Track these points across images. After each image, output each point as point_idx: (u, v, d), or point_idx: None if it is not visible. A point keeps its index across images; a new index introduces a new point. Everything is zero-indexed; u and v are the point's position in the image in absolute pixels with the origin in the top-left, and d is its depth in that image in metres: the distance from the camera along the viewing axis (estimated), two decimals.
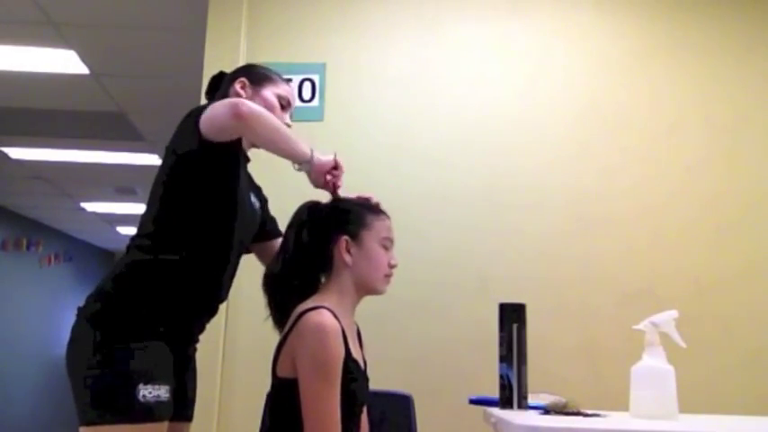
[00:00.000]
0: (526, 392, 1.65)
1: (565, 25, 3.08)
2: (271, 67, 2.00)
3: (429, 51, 3.06)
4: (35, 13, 3.56)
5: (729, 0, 3.11)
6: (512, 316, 1.70)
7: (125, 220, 8.81)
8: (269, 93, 1.89)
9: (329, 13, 3.08)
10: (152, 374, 1.57)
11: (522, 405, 1.63)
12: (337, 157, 1.76)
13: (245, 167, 1.90)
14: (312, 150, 1.73)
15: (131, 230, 10.24)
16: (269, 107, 1.82)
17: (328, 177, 1.75)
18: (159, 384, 1.57)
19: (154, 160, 6.02)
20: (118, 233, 9.74)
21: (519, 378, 1.64)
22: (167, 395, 1.59)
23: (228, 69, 2.03)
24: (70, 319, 1.64)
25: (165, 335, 1.65)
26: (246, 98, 1.80)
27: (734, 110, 3.03)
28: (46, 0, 3.45)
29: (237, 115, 1.60)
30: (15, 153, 6.03)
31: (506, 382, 1.63)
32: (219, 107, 1.64)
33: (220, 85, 1.94)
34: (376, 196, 1.82)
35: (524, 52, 3.07)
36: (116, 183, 6.94)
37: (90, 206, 8.12)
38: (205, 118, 1.66)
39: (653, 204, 2.94)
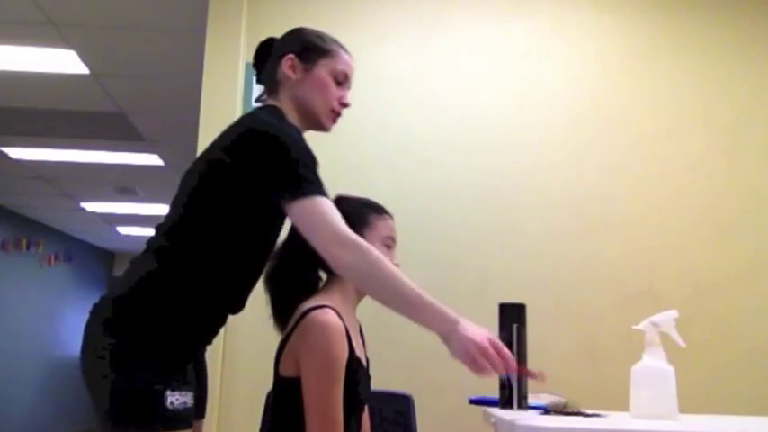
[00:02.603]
0: (526, 392, 1.65)
1: (565, 25, 3.08)
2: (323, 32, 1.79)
3: (429, 51, 3.06)
4: (35, 13, 3.56)
5: (730, 0, 3.12)
6: (512, 316, 1.70)
7: (125, 220, 8.81)
8: (322, 71, 1.69)
9: (329, 13, 3.08)
10: (179, 380, 1.49)
11: (522, 405, 1.63)
12: (492, 339, 1.47)
13: None
14: (457, 320, 1.49)
15: (131, 230, 10.15)
16: (321, 88, 1.68)
17: (479, 362, 1.48)
18: (185, 390, 1.49)
19: (154, 160, 6.02)
20: (118, 233, 9.74)
21: (519, 378, 1.63)
22: (192, 401, 1.52)
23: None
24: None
25: (188, 341, 1.56)
26: (296, 81, 1.68)
27: (734, 110, 3.03)
28: (46, 0, 3.45)
29: (336, 261, 1.47)
30: (15, 153, 6.03)
31: (506, 382, 1.63)
32: (318, 225, 1.47)
33: (268, 58, 1.75)
34: (376, 197, 1.82)
35: (524, 52, 3.07)
36: (116, 183, 6.94)
37: (90, 206, 8.13)
38: (302, 218, 1.49)
39: (653, 204, 2.94)
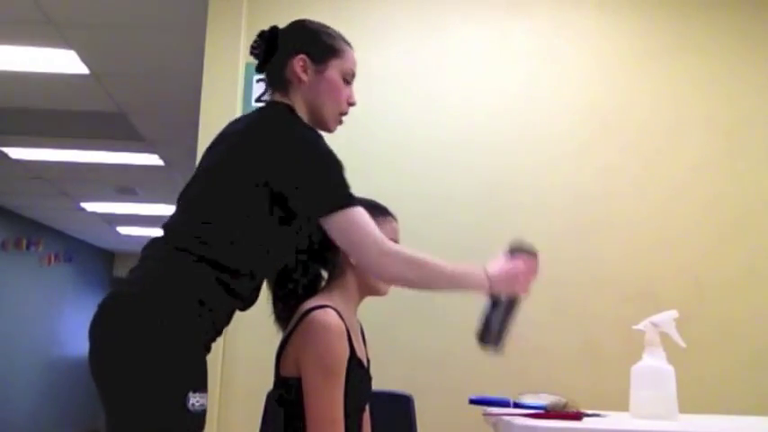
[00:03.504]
0: (503, 336, 1.60)
1: (565, 25, 3.08)
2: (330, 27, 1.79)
3: (429, 51, 3.06)
4: (35, 13, 3.56)
5: (730, 0, 3.11)
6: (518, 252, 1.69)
7: (125, 220, 8.81)
8: (334, 72, 1.68)
9: (329, 14, 3.07)
10: (199, 381, 1.44)
11: (498, 346, 1.59)
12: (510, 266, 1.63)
13: None
14: (485, 270, 1.60)
15: (131, 230, 10.15)
16: (332, 91, 1.67)
17: (524, 281, 1.62)
18: (203, 392, 1.44)
19: (154, 160, 6.02)
20: (118, 233, 9.74)
21: (502, 319, 1.60)
22: (207, 402, 1.47)
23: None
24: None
25: (203, 340, 1.51)
26: (308, 83, 1.65)
27: (735, 110, 3.03)
28: (46, 0, 3.45)
29: (380, 273, 1.56)
30: (15, 153, 6.02)
31: (486, 318, 1.61)
32: (357, 238, 1.50)
33: (274, 52, 1.70)
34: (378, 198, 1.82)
35: (524, 52, 3.06)
36: (116, 183, 6.94)
37: (90, 206, 8.12)
38: (340, 232, 1.51)
39: (653, 205, 2.94)
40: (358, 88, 3.05)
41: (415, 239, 2.82)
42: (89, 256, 10.80)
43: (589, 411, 1.60)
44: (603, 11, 3.10)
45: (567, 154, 2.97)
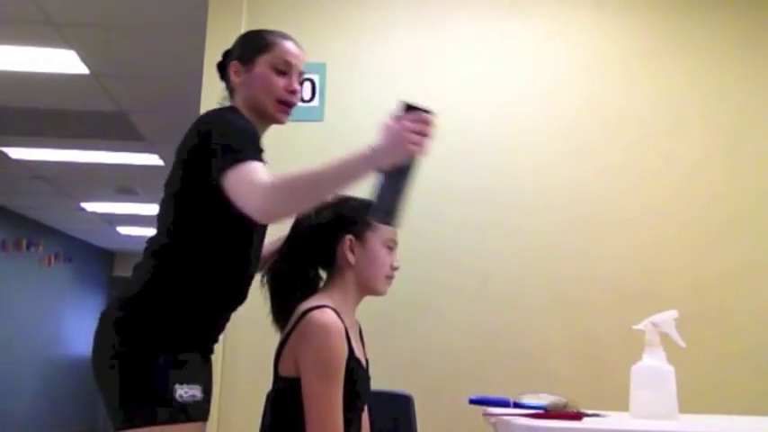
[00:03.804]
0: (396, 208, 1.48)
1: (565, 25, 3.08)
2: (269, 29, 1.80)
3: (429, 51, 3.06)
4: (35, 13, 3.56)
5: (730, 0, 3.11)
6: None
7: (125, 220, 8.81)
8: (262, 66, 1.71)
9: (329, 13, 3.08)
10: (186, 374, 1.55)
11: (390, 219, 1.49)
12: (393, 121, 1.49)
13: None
14: (369, 145, 1.48)
15: (131, 230, 10.18)
16: (261, 82, 1.70)
17: (411, 139, 1.48)
18: (193, 384, 1.56)
19: (154, 160, 6.02)
20: (118, 233, 9.74)
21: (395, 189, 1.48)
22: (202, 395, 1.58)
23: None
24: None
25: (193, 337, 1.63)
26: (241, 84, 1.72)
27: (734, 109, 3.03)
28: (46, 0, 3.45)
29: (267, 216, 1.48)
30: (15, 153, 6.03)
31: (378, 190, 1.47)
32: (243, 189, 1.46)
33: (224, 70, 1.81)
34: None
35: (524, 52, 3.06)
36: (116, 183, 6.94)
37: (90, 206, 8.12)
38: (231, 190, 1.48)
39: (653, 204, 2.94)
40: (358, 88, 3.07)
41: (415, 238, 2.83)
42: (89, 256, 10.80)
43: (589, 411, 1.60)
44: (603, 11, 3.10)
45: (566, 153, 2.97)
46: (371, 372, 1.78)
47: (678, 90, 3.04)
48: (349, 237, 1.72)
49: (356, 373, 1.64)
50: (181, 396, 1.52)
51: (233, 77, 1.75)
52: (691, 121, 3.01)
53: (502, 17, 3.09)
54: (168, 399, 1.50)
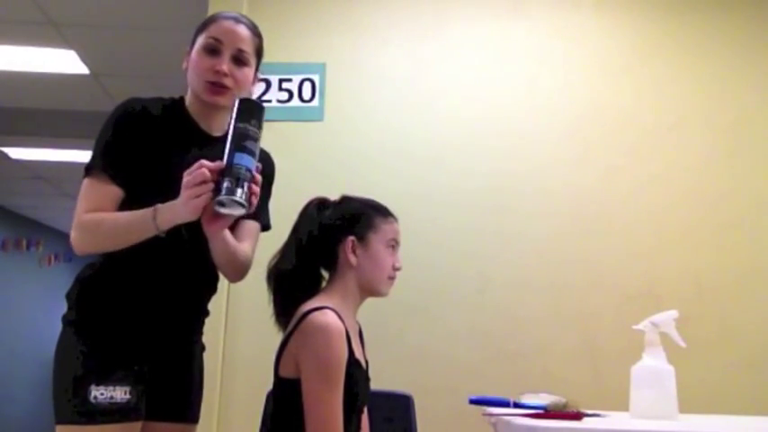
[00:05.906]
0: (236, 189, 1.41)
1: (565, 25, 3.08)
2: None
3: (429, 51, 3.06)
4: (35, 13, 3.56)
5: (730, 0, 3.11)
6: (250, 113, 1.48)
7: None
8: (196, 50, 1.69)
9: (329, 13, 3.08)
10: (105, 375, 1.55)
11: (233, 203, 1.42)
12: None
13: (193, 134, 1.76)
14: (154, 210, 1.49)
15: None
16: (193, 67, 1.69)
17: (192, 195, 1.40)
18: (114, 385, 1.55)
19: None
20: None
21: (227, 168, 1.42)
22: (126, 396, 1.55)
23: None
24: None
25: (129, 333, 1.62)
26: (186, 69, 1.75)
27: (736, 110, 3.03)
28: (46, 0, 3.45)
29: (75, 248, 1.64)
30: (15, 153, 6.03)
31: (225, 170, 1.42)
32: (77, 209, 1.63)
33: None
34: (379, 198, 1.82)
35: (524, 52, 3.06)
36: None
37: None
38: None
39: (654, 205, 2.94)
40: (358, 89, 3.07)
41: (415, 241, 2.83)
42: (89, 256, 10.78)
43: (589, 411, 1.60)
44: (603, 11, 3.10)
45: (567, 154, 2.97)
46: (371, 372, 1.78)
47: (679, 90, 3.04)
48: (351, 238, 1.72)
49: (356, 374, 1.64)
50: (95, 398, 1.53)
51: (184, 64, 1.77)
52: (692, 122, 3.01)
53: (502, 17, 3.09)
54: (81, 400, 1.52)
